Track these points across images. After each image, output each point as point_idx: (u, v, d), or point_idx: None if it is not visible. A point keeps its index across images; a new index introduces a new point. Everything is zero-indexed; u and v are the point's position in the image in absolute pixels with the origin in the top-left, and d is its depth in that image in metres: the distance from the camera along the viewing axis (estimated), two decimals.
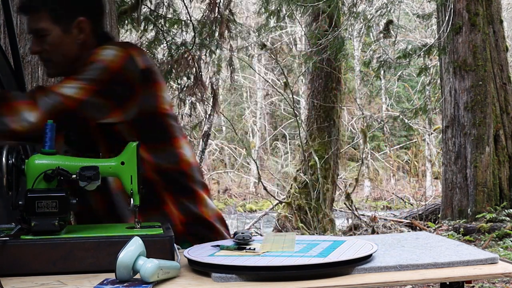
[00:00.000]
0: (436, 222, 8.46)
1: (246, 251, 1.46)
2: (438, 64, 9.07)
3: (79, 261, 1.42)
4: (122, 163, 1.56)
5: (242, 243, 1.52)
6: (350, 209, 9.00)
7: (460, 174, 8.10)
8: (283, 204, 9.50)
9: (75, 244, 1.42)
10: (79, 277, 1.38)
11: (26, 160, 1.50)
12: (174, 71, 5.99)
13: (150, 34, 6.41)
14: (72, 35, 1.80)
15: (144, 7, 5.93)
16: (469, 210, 7.92)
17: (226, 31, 6.30)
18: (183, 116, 8.27)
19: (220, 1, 6.11)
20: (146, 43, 6.34)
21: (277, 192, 13.22)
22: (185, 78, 6.22)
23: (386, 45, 9.86)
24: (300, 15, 9.16)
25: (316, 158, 9.05)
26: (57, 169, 1.48)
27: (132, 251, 1.29)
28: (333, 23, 8.67)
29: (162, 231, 1.51)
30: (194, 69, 6.14)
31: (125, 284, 1.29)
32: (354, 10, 8.47)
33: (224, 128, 18.05)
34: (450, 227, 7.61)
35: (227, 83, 13.19)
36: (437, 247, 1.57)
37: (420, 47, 8.53)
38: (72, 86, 1.66)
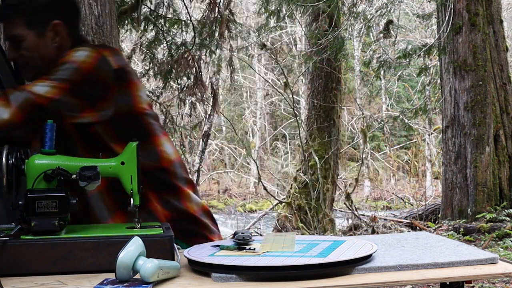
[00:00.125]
0: (436, 222, 8.46)
1: (246, 251, 1.46)
2: (438, 64, 9.07)
3: (79, 261, 1.42)
4: (122, 163, 1.56)
5: (242, 243, 1.52)
6: (350, 209, 9.00)
7: (460, 174, 8.10)
8: (283, 204, 9.49)
9: (75, 244, 1.42)
10: (79, 277, 1.38)
11: (26, 160, 1.50)
12: (174, 71, 5.99)
13: (150, 34, 6.40)
14: (48, 39, 1.81)
15: (144, 7, 5.92)
16: (469, 210, 7.92)
17: (226, 31, 6.30)
18: (183, 116, 8.27)
19: (220, 1, 6.10)
20: (146, 43, 6.34)
21: (277, 192, 13.22)
22: (185, 78, 6.22)
23: (386, 45, 9.86)
24: (300, 15, 9.16)
25: (316, 158, 9.05)
26: (57, 169, 1.48)
27: (132, 251, 1.29)
28: (333, 23, 8.67)
29: (162, 231, 1.51)
30: (194, 69, 6.13)
31: (125, 284, 1.29)
32: (354, 10, 8.47)
33: (224, 128, 18.05)
34: (450, 227, 7.61)
35: (227, 83, 13.19)
36: (437, 247, 1.57)
37: (420, 47, 8.53)
38: (44, 85, 1.68)
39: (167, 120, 6.65)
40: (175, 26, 6.31)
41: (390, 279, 1.33)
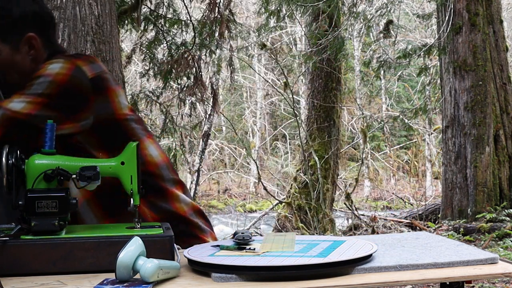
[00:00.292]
0: (436, 222, 8.46)
1: (246, 251, 1.46)
2: (438, 64, 9.07)
3: (79, 261, 1.42)
4: (122, 163, 1.56)
5: (242, 243, 1.52)
6: (350, 209, 9.00)
7: (460, 174, 8.10)
8: (283, 204, 9.50)
9: (75, 244, 1.42)
10: (79, 277, 1.38)
11: (26, 160, 1.50)
12: (174, 71, 5.98)
13: (150, 34, 6.40)
14: (23, 52, 1.80)
15: (144, 7, 5.92)
16: (469, 210, 7.92)
17: (226, 31, 6.29)
18: (183, 116, 8.27)
19: (220, 1, 6.10)
20: (146, 43, 6.34)
21: (277, 192, 13.22)
22: (185, 78, 6.22)
23: (386, 45, 9.86)
24: (300, 15, 9.15)
25: (316, 158, 9.05)
26: (57, 169, 1.48)
27: (132, 251, 1.29)
28: (333, 23, 8.67)
29: (162, 231, 1.51)
30: (194, 69, 6.13)
31: (125, 284, 1.29)
32: (354, 10, 8.47)
33: (224, 128, 18.05)
34: (450, 227, 7.61)
35: (227, 83, 13.19)
36: (437, 247, 1.57)
37: (420, 47, 8.53)
38: (20, 101, 1.67)
39: (167, 120, 6.65)
40: (175, 26, 6.30)
41: (390, 279, 1.33)
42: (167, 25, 6.23)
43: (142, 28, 6.05)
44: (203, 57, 6.41)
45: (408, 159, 16.85)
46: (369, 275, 1.35)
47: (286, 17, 8.87)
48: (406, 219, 8.94)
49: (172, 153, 7.28)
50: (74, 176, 1.49)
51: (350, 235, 8.09)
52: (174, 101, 7.18)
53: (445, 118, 8.41)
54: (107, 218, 1.81)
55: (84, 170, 1.49)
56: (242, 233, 1.54)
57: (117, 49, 2.96)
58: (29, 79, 1.74)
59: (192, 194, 10.40)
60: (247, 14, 16.13)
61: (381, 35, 9.00)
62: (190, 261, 1.43)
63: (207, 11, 6.08)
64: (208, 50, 6.33)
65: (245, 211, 13.94)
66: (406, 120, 11.60)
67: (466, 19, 8.14)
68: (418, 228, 8.34)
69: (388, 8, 8.33)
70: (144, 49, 6.35)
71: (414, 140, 16.74)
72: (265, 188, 9.84)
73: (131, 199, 1.55)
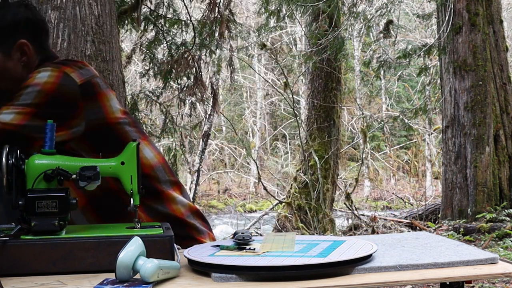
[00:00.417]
0: (436, 222, 8.46)
1: (246, 251, 1.46)
2: (438, 64, 9.07)
3: (79, 261, 1.42)
4: (122, 163, 1.56)
5: (242, 243, 1.52)
6: (350, 209, 9.00)
7: (460, 174, 8.10)
8: (283, 204, 9.50)
9: (75, 244, 1.42)
10: (79, 277, 1.38)
11: (26, 160, 1.50)
12: (174, 71, 5.98)
13: (150, 34, 6.40)
14: (14, 58, 1.80)
15: (144, 7, 5.92)
16: (469, 210, 7.92)
17: (226, 31, 6.29)
18: (183, 116, 8.27)
19: (220, 1, 6.10)
20: (146, 43, 6.34)
21: (277, 192, 13.23)
22: (185, 78, 6.21)
23: (386, 45, 9.86)
24: (300, 15, 9.15)
25: (316, 158, 9.05)
26: (57, 169, 1.48)
27: (132, 251, 1.29)
28: (333, 23, 8.67)
29: (162, 231, 1.51)
30: (194, 69, 6.13)
31: (125, 284, 1.29)
32: (354, 10, 8.47)
33: (224, 128, 18.05)
34: (450, 227, 7.61)
35: (227, 83, 13.19)
36: (437, 247, 1.57)
37: (420, 47, 8.53)
38: (9, 112, 1.67)
39: (167, 120, 6.65)
40: (175, 26, 6.30)
41: (390, 279, 1.33)
42: (167, 25, 6.23)
43: (142, 28, 6.05)
44: (203, 57, 6.41)
45: (408, 159, 16.85)
46: (369, 275, 1.35)
47: (286, 17, 8.87)
48: (406, 219, 8.94)
49: (172, 153, 7.27)
50: (74, 176, 1.49)
51: (350, 235, 8.09)
52: (174, 101, 7.18)
53: (445, 118, 8.42)
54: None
55: (84, 170, 1.49)
56: (242, 233, 1.54)
57: (117, 49, 2.96)
58: (18, 89, 1.73)
59: (192, 194, 10.40)
60: (247, 14, 16.13)
61: (381, 35, 9.00)
62: (190, 261, 1.43)
63: (207, 11, 6.08)
64: (208, 50, 6.33)
65: (245, 211, 13.95)
66: (406, 120, 11.61)
67: (466, 19, 8.14)
68: (418, 228, 8.34)
69: (388, 8, 8.33)
70: (144, 49, 6.35)
71: (414, 140, 16.74)
72: (265, 188, 9.84)
73: (131, 199, 1.55)
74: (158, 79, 6.33)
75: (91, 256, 1.42)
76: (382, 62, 8.54)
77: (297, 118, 9.55)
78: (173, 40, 6.23)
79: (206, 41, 6.18)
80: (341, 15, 8.93)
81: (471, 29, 8.13)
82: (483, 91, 8.07)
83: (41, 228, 1.43)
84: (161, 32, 6.14)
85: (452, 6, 8.06)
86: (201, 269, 1.39)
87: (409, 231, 8.12)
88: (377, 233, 8.11)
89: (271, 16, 8.36)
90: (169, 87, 6.38)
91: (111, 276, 1.35)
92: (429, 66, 9.90)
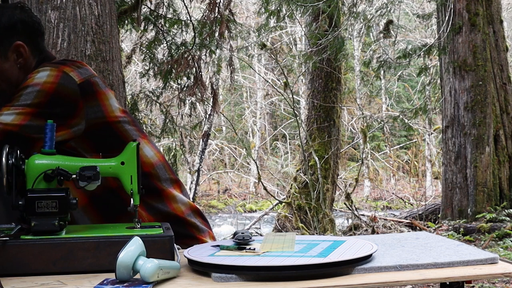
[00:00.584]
0: (436, 222, 8.46)
1: (246, 251, 1.46)
2: (438, 64, 9.07)
3: (79, 261, 1.42)
4: (122, 163, 1.57)
5: (242, 243, 1.52)
6: (350, 209, 9.00)
7: (460, 174, 8.10)
8: (283, 204, 9.50)
9: (75, 244, 1.42)
10: (79, 277, 1.38)
11: (26, 160, 1.50)
12: (174, 71, 5.98)
13: (150, 34, 6.40)
14: (11, 60, 1.80)
15: (144, 7, 5.92)
16: (469, 210, 7.92)
17: (226, 31, 6.29)
18: (183, 116, 8.27)
19: (220, 1, 6.10)
20: (146, 43, 6.34)
21: (277, 192, 13.23)
22: (185, 78, 6.22)
23: (386, 45, 9.86)
24: (300, 15, 9.15)
25: (316, 158, 9.05)
26: (57, 169, 1.48)
27: (132, 251, 1.29)
28: (333, 23, 8.67)
29: (162, 231, 1.51)
30: (194, 69, 6.13)
31: (125, 284, 1.29)
32: (354, 10, 8.47)
33: (224, 128, 18.05)
34: (450, 227, 7.61)
35: (227, 83, 13.19)
36: (437, 247, 1.57)
37: (420, 47, 8.53)
38: (9, 113, 1.67)
39: (167, 120, 6.65)
40: (175, 26, 6.30)
41: (390, 279, 1.33)
42: (167, 25, 6.23)
43: (142, 28, 6.05)
44: (203, 57, 6.40)
45: (408, 159, 16.85)
46: (369, 275, 1.35)
47: (286, 17, 8.87)
48: (406, 219, 8.94)
49: (172, 153, 7.28)
50: (74, 176, 1.49)
51: (350, 235, 8.09)
52: (174, 101, 7.18)
53: (445, 118, 8.42)
54: (102, 224, 1.81)
55: (84, 170, 1.49)
56: (242, 233, 1.54)
57: (117, 49, 2.96)
58: (17, 89, 1.73)
59: (192, 194, 10.40)
60: (247, 14, 16.13)
61: (381, 35, 9.00)
62: (190, 261, 1.43)
63: (207, 11, 6.08)
64: (208, 50, 6.33)
65: (245, 211, 13.95)
66: (406, 120, 11.61)
67: (466, 19, 8.14)
68: (418, 228, 8.34)
69: (388, 8, 8.33)
70: (144, 49, 6.35)
71: (414, 140, 16.74)
72: (265, 188, 9.84)
73: (131, 199, 1.55)
74: (158, 79, 6.33)
75: (91, 256, 1.42)
76: (382, 62, 8.54)
77: (297, 118, 9.56)
78: (173, 40, 6.23)
79: (206, 41, 6.18)
80: (341, 15, 8.93)
81: (471, 29, 8.13)
82: (483, 91, 8.07)
83: (41, 228, 1.43)
84: (161, 32, 6.14)
85: (452, 6, 8.06)
86: (201, 269, 1.39)
87: (409, 231, 8.12)
88: (377, 233, 8.11)
89: (271, 16, 8.36)
90: (169, 87, 6.38)
91: (111, 276, 1.35)
92: (429, 66, 9.90)
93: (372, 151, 15.99)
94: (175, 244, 1.48)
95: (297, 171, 9.64)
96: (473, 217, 7.78)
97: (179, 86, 6.39)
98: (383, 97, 17.69)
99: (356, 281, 1.31)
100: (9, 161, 1.45)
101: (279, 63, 11.34)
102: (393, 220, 8.90)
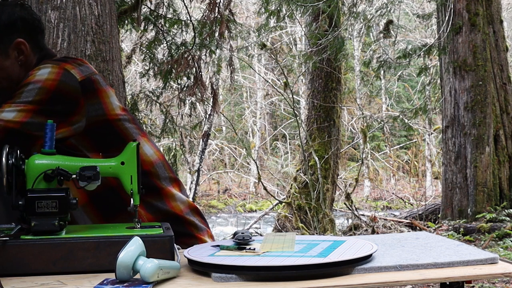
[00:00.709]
0: (436, 222, 8.46)
1: (246, 251, 1.46)
2: (438, 64, 9.07)
3: (79, 261, 1.42)
4: (122, 163, 1.57)
5: (242, 243, 1.52)
6: (350, 209, 9.00)
7: (460, 174, 8.10)
8: (283, 204, 9.50)
9: (75, 244, 1.42)
10: (79, 277, 1.38)
11: (26, 160, 1.50)
12: (174, 71, 5.98)
13: (150, 34, 6.40)
14: (12, 57, 1.81)
15: (144, 7, 5.92)
16: (469, 210, 7.92)
17: (226, 31, 6.29)
18: (183, 116, 8.27)
19: (220, 1, 6.10)
20: (146, 43, 6.34)
21: (277, 192, 13.22)
22: (185, 78, 6.21)
23: (386, 45, 9.86)
24: (300, 15, 9.15)
25: (316, 158, 9.05)
26: (57, 169, 1.48)
27: (132, 251, 1.29)
28: (333, 23, 8.67)
29: (162, 231, 1.51)
30: (194, 69, 6.12)
31: (125, 284, 1.29)
32: (354, 10, 8.46)
33: (224, 128, 18.05)
34: (450, 227, 7.61)
35: (227, 83, 13.19)
36: (437, 247, 1.57)
37: (420, 47, 8.53)
38: (11, 110, 1.67)
39: (167, 120, 6.65)
40: (175, 26, 6.30)
41: (390, 279, 1.33)
42: (167, 25, 6.22)
43: (142, 28, 6.05)
44: (203, 57, 6.40)
45: (408, 159, 16.85)
46: (369, 275, 1.35)
47: (286, 17, 8.86)
48: (406, 219, 8.94)
49: (172, 153, 7.27)
50: (74, 176, 1.49)
51: (350, 235, 8.09)
52: (174, 101, 7.18)
53: (445, 118, 8.41)
54: (102, 222, 1.81)
55: (84, 170, 1.49)
56: (242, 233, 1.54)
57: (117, 49, 2.96)
58: (18, 86, 1.74)
59: (192, 194, 10.40)
60: (247, 14, 16.13)
61: (381, 35, 9.00)
62: (190, 261, 1.43)
63: (207, 11, 6.08)
64: (208, 50, 6.32)
65: (245, 211, 13.95)
66: (406, 120, 11.61)
67: (466, 19, 8.14)
68: (418, 228, 8.34)
69: (388, 8, 8.33)
70: (144, 49, 6.35)
71: (414, 140, 16.74)
72: (265, 188, 9.84)
73: (131, 199, 1.55)
74: (158, 79, 6.33)
75: (91, 256, 1.42)
76: (382, 62, 8.54)
77: (297, 118, 9.55)
78: (173, 40, 6.23)
79: (206, 41, 6.18)
80: (341, 15, 8.93)
81: (471, 29, 8.13)
82: (483, 91, 8.07)
83: (41, 228, 1.43)
84: (161, 32, 6.14)
85: (452, 6, 8.06)
86: (201, 269, 1.39)
87: (409, 231, 8.12)
88: (377, 233, 8.11)
89: (271, 16, 8.35)
90: (169, 87, 6.38)
91: (111, 276, 1.35)
92: (429, 66, 9.90)
93: (372, 151, 15.99)
94: (175, 244, 1.48)
95: (297, 171, 9.64)
96: (473, 217, 7.78)
97: (179, 86, 6.39)
98: (383, 97, 17.69)
99: (356, 281, 1.31)
100: (9, 161, 1.45)
101: (279, 63, 11.34)
102: (393, 220, 8.90)
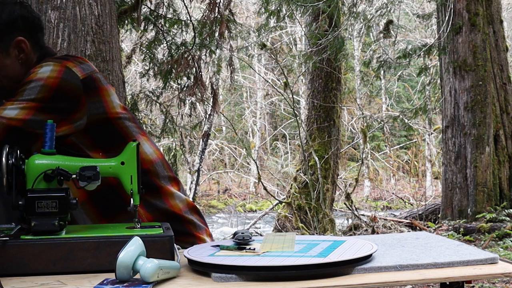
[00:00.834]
0: (436, 222, 8.46)
1: (246, 251, 1.46)
2: (438, 64, 9.07)
3: (79, 261, 1.42)
4: (122, 163, 1.57)
5: (242, 243, 1.52)
6: (350, 209, 9.00)
7: (460, 174, 8.10)
8: (283, 204, 9.49)
9: (75, 244, 1.42)
10: (79, 277, 1.38)
11: (26, 160, 1.50)
12: (174, 71, 5.98)
13: (150, 34, 6.40)
14: (12, 56, 1.81)
15: (144, 7, 5.92)
16: (469, 210, 7.91)
17: (226, 31, 6.29)
18: (183, 116, 8.27)
19: (220, 1, 6.10)
20: (146, 43, 6.34)
21: (277, 192, 13.22)
22: (185, 78, 6.21)
23: (386, 45, 9.86)
24: (300, 15, 9.15)
25: (316, 158, 9.05)
26: (57, 169, 1.48)
27: (132, 251, 1.29)
28: (333, 23, 8.67)
29: (162, 231, 1.51)
30: (194, 69, 6.12)
31: (125, 284, 1.29)
32: (354, 10, 8.46)
33: (224, 128, 18.05)
34: (450, 227, 7.61)
35: (227, 83, 13.18)
36: (437, 247, 1.57)
37: (420, 47, 8.53)
38: (13, 108, 1.67)
39: (167, 120, 6.65)
40: (175, 26, 6.30)
41: (390, 279, 1.33)
42: (167, 25, 6.22)
43: (142, 28, 6.04)
44: (203, 57, 6.40)
45: (408, 159, 16.85)
46: (369, 275, 1.35)
47: (286, 17, 8.86)
48: (406, 219, 8.94)
49: (172, 153, 7.27)
50: (74, 176, 1.49)
51: (350, 235, 8.09)
52: (174, 101, 7.18)
53: (445, 118, 8.41)
54: (101, 220, 1.81)
55: (84, 170, 1.49)
56: (242, 233, 1.54)
57: (117, 49, 2.96)
58: (20, 84, 1.74)
59: (192, 194, 10.40)
60: (247, 14, 16.13)
61: (381, 35, 9.00)
62: (190, 261, 1.43)
63: (207, 11, 6.07)
64: (208, 50, 6.32)
65: (245, 211, 13.95)
66: (406, 120, 11.61)
67: (466, 19, 8.14)
68: (418, 228, 8.34)
69: (388, 8, 8.33)
70: (144, 49, 6.35)
71: (414, 140, 16.74)
72: (265, 188, 9.84)
73: (131, 199, 1.55)
74: (158, 79, 6.33)
75: (91, 256, 1.42)
76: (382, 62, 8.53)
77: (297, 118, 9.55)
78: (173, 40, 6.22)
79: (206, 41, 6.18)
80: (341, 15, 8.93)
81: (471, 29, 8.13)
82: (483, 91, 8.07)
83: (41, 228, 1.43)
84: (161, 32, 6.14)
85: (452, 6, 8.06)
86: (201, 269, 1.39)
87: (409, 231, 8.12)
88: (377, 233, 8.11)
89: (271, 16, 8.35)
90: (169, 87, 6.38)
91: (111, 276, 1.35)
92: (429, 66, 9.90)
93: (372, 151, 15.99)
94: (175, 244, 1.48)
95: (297, 171, 9.64)
96: (473, 217, 7.77)
97: (179, 86, 6.39)
98: (383, 97, 17.69)
99: (356, 281, 1.31)
100: (9, 161, 1.45)
101: (279, 63, 11.34)
102: (393, 220, 8.90)
